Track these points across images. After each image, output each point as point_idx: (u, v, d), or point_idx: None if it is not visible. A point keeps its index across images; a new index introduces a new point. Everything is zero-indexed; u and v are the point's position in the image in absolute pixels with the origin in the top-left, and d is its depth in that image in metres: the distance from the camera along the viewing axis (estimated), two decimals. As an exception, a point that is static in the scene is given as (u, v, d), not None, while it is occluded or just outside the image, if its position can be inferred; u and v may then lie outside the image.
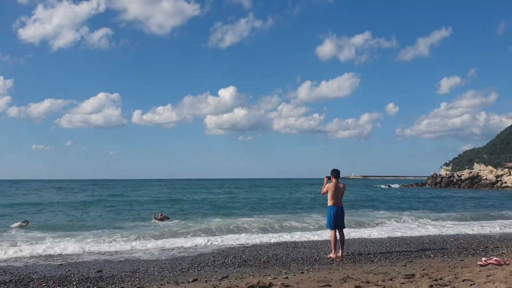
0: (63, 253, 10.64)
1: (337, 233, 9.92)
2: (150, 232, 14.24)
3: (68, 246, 11.37)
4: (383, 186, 75.01)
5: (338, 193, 9.93)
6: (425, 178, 79.89)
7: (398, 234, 14.12)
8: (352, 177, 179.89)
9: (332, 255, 9.80)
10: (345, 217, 10.24)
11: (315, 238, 13.23)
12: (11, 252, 10.54)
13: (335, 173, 10.00)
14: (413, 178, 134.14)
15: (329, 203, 9.93)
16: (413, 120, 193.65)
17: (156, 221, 18.29)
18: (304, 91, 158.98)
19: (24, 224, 16.72)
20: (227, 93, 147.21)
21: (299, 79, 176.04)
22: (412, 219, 18.26)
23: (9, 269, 8.54)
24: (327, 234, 12.94)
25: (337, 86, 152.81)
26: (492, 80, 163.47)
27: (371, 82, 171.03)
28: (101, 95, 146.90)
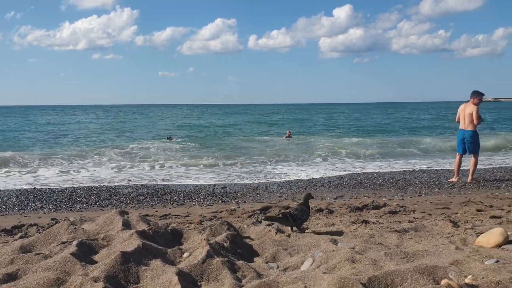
0: (192, 172, 11.67)
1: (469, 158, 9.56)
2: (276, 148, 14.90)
3: (200, 163, 12.53)
4: None
5: (464, 115, 9.41)
6: None
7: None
8: (483, 99, 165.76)
9: (454, 179, 9.43)
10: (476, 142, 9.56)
11: (432, 164, 12.75)
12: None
13: (471, 94, 9.54)
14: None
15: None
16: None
17: (286, 137, 19.83)
18: (427, 5, 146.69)
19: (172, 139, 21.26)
20: (342, 12, 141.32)
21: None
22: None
23: (145, 185, 9.66)
24: (445, 161, 12.43)
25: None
26: None
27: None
28: (218, 21, 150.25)
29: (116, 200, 7.79)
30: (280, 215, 3.88)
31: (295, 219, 3.83)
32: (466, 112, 9.40)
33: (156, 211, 6.70)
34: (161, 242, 3.37)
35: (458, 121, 9.66)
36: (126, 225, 3.60)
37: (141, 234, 3.31)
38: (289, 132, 20.78)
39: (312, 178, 10.31)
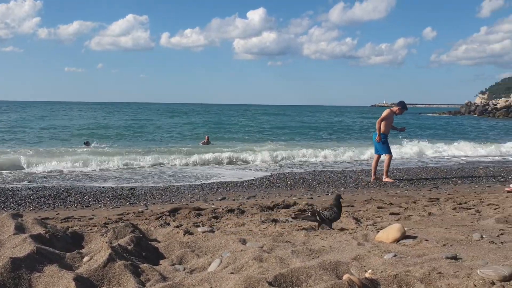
0: (103, 173, 11.14)
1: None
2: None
3: (110, 165, 12.01)
4: (429, 115, 76.46)
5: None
6: (459, 106, 78.67)
7: (427, 162, 14.09)
8: (383, 104, 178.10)
9: (371, 178, 10.08)
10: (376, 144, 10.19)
11: (343, 165, 13.34)
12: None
13: (398, 102, 10.31)
14: (446, 106, 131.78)
15: None
16: (450, 46, 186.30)
17: (204, 143, 19.17)
18: (336, 13, 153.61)
19: (89, 144, 18.36)
20: (256, 15, 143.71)
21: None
22: (442, 147, 18.02)
23: (47, 186, 9.04)
24: (354, 162, 13.09)
25: (372, 8, 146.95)
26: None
27: (408, 4, 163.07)
28: (129, 17, 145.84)
29: (13, 203, 7.20)
30: (310, 214, 4.17)
31: (323, 218, 4.04)
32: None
33: (58, 213, 6.29)
34: (60, 246, 3.13)
35: None
36: (19, 229, 3.30)
37: (36, 238, 3.06)
38: (208, 138, 20.19)
39: (226, 179, 10.31)
